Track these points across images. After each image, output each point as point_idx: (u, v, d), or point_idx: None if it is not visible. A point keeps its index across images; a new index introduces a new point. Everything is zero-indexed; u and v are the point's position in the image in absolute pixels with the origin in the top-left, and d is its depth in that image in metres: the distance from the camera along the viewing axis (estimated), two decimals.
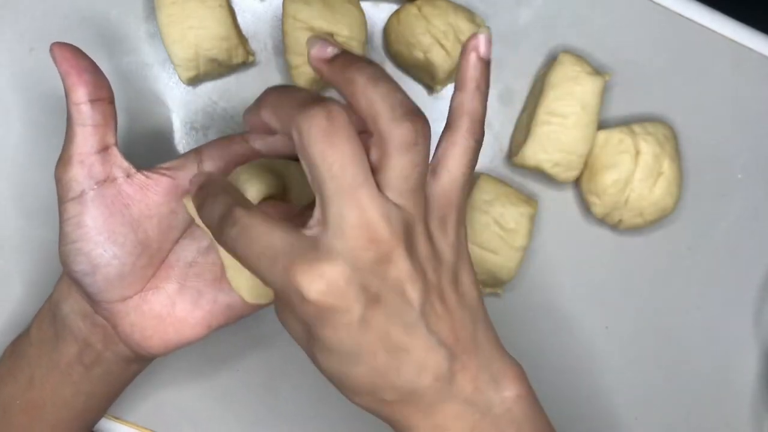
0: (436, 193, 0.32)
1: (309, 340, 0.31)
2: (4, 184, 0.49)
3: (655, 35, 0.52)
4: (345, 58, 0.31)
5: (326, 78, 0.32)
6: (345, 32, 0.46)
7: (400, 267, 0.30)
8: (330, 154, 0.28)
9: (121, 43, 0.49)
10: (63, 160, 0.37)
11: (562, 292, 0.52)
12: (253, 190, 0.36)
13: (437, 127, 0.50)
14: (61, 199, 0.37)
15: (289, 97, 0.31)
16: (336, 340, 0.30)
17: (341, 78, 0.31)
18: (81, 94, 0.36)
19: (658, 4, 0.52)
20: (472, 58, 0.33)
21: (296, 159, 0.33)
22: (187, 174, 0.39)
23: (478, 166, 0.51)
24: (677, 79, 0.52)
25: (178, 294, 0.38)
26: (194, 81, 0.48)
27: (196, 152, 0.40)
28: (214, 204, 0.32)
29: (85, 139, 0.36)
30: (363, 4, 0.49)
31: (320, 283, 0.28)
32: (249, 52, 0.48)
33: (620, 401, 0.52)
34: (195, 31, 0.45)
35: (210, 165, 0.39)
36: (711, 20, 0.52)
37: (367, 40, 0.48)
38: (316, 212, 0.30)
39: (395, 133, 0.29)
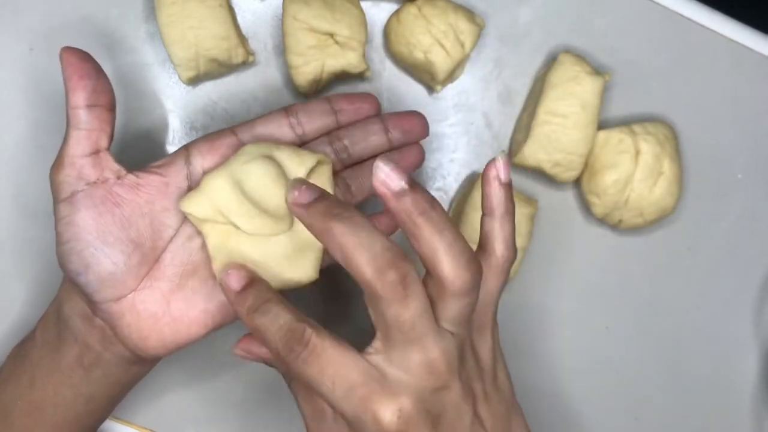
0: (477, 309, 0.36)
1: None
2: (4, 184, 0.49)
3: (655, 35, 0.52)
4: (412, 198, 0.32)
5: (392, 210, 0.33)
6: (345, 32, 0.46)
7: (455, 390, 0.34)
8: (403, 313, 0.32)
9: (121, 43, 0.49)
10: (57, 162, 0.38)
11: (562, 292, 0.52)
12: (303, 169, 0.38)
13: (437, 127, 0.51)
14: (54, 200, 0.38)
15: (366, 243, 0.32)
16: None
17: (407, 219, 0.32)
18: (78, 98, 0.38)
19: (658, 4, 0.52)
20: (495, 186, 0.36)
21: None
22: (177, 171, 0.39)
23: (479, 166, 0.51)
24: (677, 79, 0.52)
25: (172, 293, 0.38)
26: (194, 81, 0.48)
27: (185, 149, 0.40)
28: (277, 316, 0.34)
29: (78, 142, 0.37)
30: (363, 4, 0.49)
31: (395, 413, 0.32)
32: (249, 52, 0.48)
33: (620, 401, 0.52)
34: (195, 31, 0.45)
35: (199, 160, 0.40)
36: (711, 20, 0.52)
37: (367, 40, 0.48)
38: (377, 343, 0.33)
39: (457, 282, 0.32)
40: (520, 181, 0.51)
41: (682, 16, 0.52)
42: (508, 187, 0.36)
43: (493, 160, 0.36)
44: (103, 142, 0.38)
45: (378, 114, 0.43)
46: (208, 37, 0.45)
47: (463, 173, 0.51)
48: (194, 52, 0.45)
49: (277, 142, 0.40)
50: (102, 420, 0.43)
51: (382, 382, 0.33)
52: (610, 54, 0.51)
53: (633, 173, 0.48)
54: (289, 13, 0.46)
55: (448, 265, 0.32)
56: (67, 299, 0.40)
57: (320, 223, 0.32)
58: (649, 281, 0.52)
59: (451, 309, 0.33)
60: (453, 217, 0.50)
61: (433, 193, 0.51)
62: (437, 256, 0.32)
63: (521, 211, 0.47)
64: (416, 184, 0.33)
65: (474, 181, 0.49)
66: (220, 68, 0.47)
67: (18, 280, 0.49)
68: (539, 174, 0.50)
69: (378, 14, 0.50)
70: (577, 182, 0.51)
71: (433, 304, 0.33)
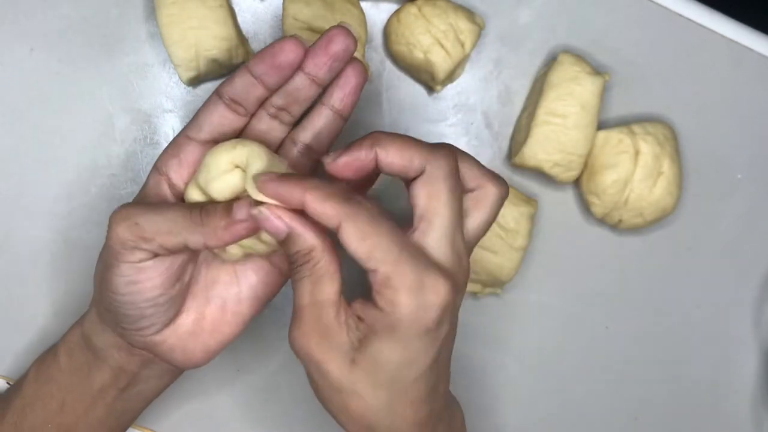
0: None
1: (373, 351, 0.33)
2: (4, 184, 0.49)
3: (655, 35, 0.52)
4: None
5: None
6: None
7: (458, 304, 0.35)
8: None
9: (121, 43, 0.49)
10: (136, 228, 0.35)
11: (562, 292, 0.52)
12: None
13: (436, 127, 0.51)
14: (116, 254, 0.36)
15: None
16: (419, 351, 0.33)
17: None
18: (220, 244, 0.35)
19: (658, 4, 0.51)
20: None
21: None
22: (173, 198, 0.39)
23: None
24: (677, 79, 0.52)
25: (205, 306, 0.39)
26: (194, 81, 0.48)
27: (166, 176, 0.39)
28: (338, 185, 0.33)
29: (171, 246, 0.36)
30: (363, 4, 0.49)
31: (446, 295, 0.33)
32: (249, 52, 0.48)
33: (620, 401, 0.52)
34: (195, 32, 0.45)
35: (179, 179, 0.39)
36: (711, 20, 0.52)
37: (367, 40, 0.48)
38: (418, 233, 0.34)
39: (493, 190, 0.36)
40: (520, 181, 0.51)
41: (682, 16, 0.52)
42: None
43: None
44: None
45: (300, 55, 0.37)
46: (209, 37, 0.45)
47: None
48: (194, 52, 0.45)
49: (229, 136, 0.39)
50: (131, 424, 0.44)
51: (457, 263, 0.34)
52: (610, 54, 0.51)
53: (632, 173, 0.48)
54: (289, 14, 0.46)
55: (486, 174, 0.36)
56: (98, 332, 0.40)
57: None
58: (649, 281, 0.52)
59: (482, 216, 0.36)
60: None
61: None
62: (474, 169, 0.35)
63: (521, 211, 0.47)
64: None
65: None
66: (221, 69, 0.47)
67: (16, 278, 0.49)
68: (539, 174, 0.50)
69: (378, 14, 0.50)
70: (577, 182, 0.51)
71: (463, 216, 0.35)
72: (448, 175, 0.34)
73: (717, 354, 0.53)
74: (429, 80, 0.49)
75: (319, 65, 0.37)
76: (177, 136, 0.39)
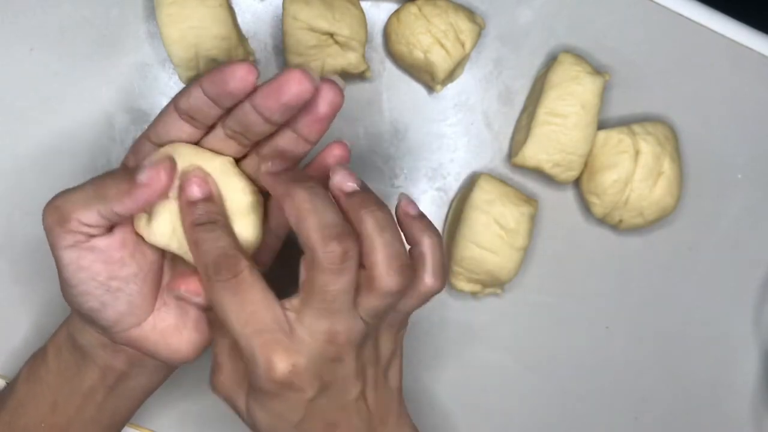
0: (395, 317, 0.38)
1: (252, 403, 0.36)
2: (4, 184, 0.49)
3: (655, 35, 0.52)
4: (361, 197, 0.35)
5: (343, 208, 0.35)
6: (345, 32, 0.46)
7: (349, 366, 0.36)
8: (331, 284, 0.33)
9: (121, 43, 0.49)
10: (59, 212, 0.35)
11: (562, 292, 0.52)
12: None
13: (436, 127, 0.51)
14: (54, 245, 0.36)
15: (320, 211, 0.34)
16: (283, 410, 0.35)
17: (354, 215, 0.35)
18: (130, 209, 0.35)
19: (658, 4, 0.52)
20: (409, 221, 0.37)
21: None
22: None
23: (479, 166, 0.51)
24: (677, 79, 0.52)
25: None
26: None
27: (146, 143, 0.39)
28: (217, 240, 0.35)
29: (95, 220, 0.35)
30: (363, 4, 0.49)
31: (289, 366, 0.34)
32: (249, 52, 0.48)
33: (620, 401, 0.52)
34: (195, 31, 0.45)
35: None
36: (711, 20, 0.52)
37: (367, 40, 0.48)
38: (296, 301, 0.35)
39: (386, 282, 0.34)
40: (520, 181, 0.51)
41: (682, 16, 0.52)
42: (422, 217, 0.37)
43: (398, 203, 0.38)
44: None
45: (250, 84, 0.35)
46: (208, 37, 0.45)
47: (463, 173, 0.51)
48: (194, 52, 0.45)
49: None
50: (126, 422, 0.44)
51: (289, 336, 0.34)
52: (610, 54, 0.51)
53: (633, 173, 0.48)
54: (289, 13, 0.46)
55: (383, 264, 0.34)
56: (81, 331, 0.40)
57: (284, 188, 0.34)
58: (649, 281, 0.52)
59: (372, 302, 0.35)
60: (452, 217, 0.50)
61: (433, 193, 0.51)
62: (374, 254, 0.34)
63: (521, 211, 0.47)
64: (366, 187, 0.36)
65: (474, 180, 0.49)
66: None
67: (11, 278, 0.49)
68: (539, 174, 0.50)
69: (378, 14, 0.50)
70: (577, 182, 0.51)
71: (357, 291, 0.35)
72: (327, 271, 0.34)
73: (717, 354, 0.53)
74: (429, 80, 0.49)
75: (271, 108, 0.35)
76: (139, 137, 0.39)
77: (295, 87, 0.34)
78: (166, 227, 0.37)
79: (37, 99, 0.49)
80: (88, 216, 0.35)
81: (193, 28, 0.45)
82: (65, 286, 0.37)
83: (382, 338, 0.38)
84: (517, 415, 0.52)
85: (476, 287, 0.49)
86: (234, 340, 0.35)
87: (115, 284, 0.36)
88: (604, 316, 0.52)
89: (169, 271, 0.39)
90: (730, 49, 0.52)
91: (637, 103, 0.51)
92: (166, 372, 0.43)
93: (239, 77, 0.34)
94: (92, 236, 0.36)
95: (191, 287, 0.37)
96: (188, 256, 0.37)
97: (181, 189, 0.36)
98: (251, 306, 0.34)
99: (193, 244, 0.35)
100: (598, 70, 0.49)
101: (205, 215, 0.36)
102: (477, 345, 0.51)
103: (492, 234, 0.47)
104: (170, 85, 0.49)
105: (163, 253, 0.39)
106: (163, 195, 0.36)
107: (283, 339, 0.34)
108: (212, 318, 0.38)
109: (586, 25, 0.51)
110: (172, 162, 0.36)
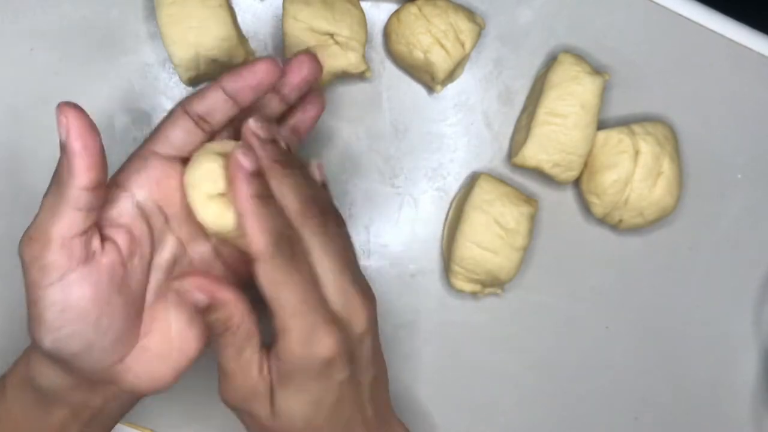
0: None
1: (283, 396, 0.35)
2: (4, 184, 0.49)
3: (655, 35, 0.52)
4: (274, 148, 0.37)
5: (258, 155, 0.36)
6: (345, 32, 0.46)
7: (367, 344, 0.37)
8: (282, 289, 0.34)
9: (121, 43, 0.49)
10: (37, 240, 0.34)
11: (562, 292, 0.52)
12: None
13: (436, 127, 0.51)
14: (35, 284, 0.34)
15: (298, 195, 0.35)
16: (321, 394, 0.35)
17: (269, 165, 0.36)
18: (87, 179, 0.33)
19: (658, 4, 0.52)
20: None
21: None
22: (133, 216, 0.37)
23: (479, 166, 0.51)
24: (677, 79, 0.52)
25: (174, 322, 0.37)
26: (194, 81, 0.48)
27: (124, 189, 0.37)
28: (277, 215, 0.34)
29: (74, 222, 0.33)
30: (363, 4, 0.49)
31: (334, 342, 0.34)
32: (249, 52, 0.48)
33: (620, 401, 0.52)
34: (195, 32, 0.45)
35: (144, 194, 0.37)
36: (711, 20, 0.52)
37: (367, 40, 0.48)
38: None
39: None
40: (520, 181, 0.51)
41: (682, 16, 0.52)
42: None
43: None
44: (96, 215, 0.35)
45: (275, 76, 0.38)
46: (209, 37, 0.45)
47: (463, 173, 0.51)
48: (194, 52, 0.45)
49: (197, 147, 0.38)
50: None
51: (331, 313, 0.35)
52: (610, 54, 0.51)
53: (632, 173, 0.48)
54: (289, 14, 0.46)
55: (294, 200, 0.35)
56: (44, 375, 0.37)
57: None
58: (649, 281, 0.52)
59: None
60: (452, 217, 0.50)
61: (433, 193, 0.51)
62: (288, 194, 0.35)
63: (521, 211, 0.47)
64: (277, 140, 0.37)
65: (474, 180, 0.49)
66: (221, 68, 0.47)
67: (18, 279, 0.49)
68: (539, 174, 0.50)
69: (378, 14, 0.50)
70: (577, 182, 0.51)
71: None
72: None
73: (717, 354, 0.53)
74: (429, 80, 0.49)
75: (290, 87, 0.40)
76: (140, 149, 0.38)
77: (310, 67, 0.40)
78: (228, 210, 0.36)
79: (37, 99, 0.49)
80: (66, 223, 0.33)
81: (193, 28, 0.45)
82: (44, 330, 0.34)
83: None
84: (517, 415, 0.52)
85: (476, 287, 0.49)
86: (280, 320, 0.34)
87: (105, 321, 0.34)
88: (604, 316, 0.52)
89: (154, 292, 0.38)
90: (730, 49, 0.52)
91: (636, 103, 0.51)
92: (140, 397, 0.41)
93: (265, 69, 0.37)
94: (80, 263, 0.34)
95: (200, 283, 0.34)
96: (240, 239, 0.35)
97: (235, 162, 0.34)
98: (304, 284, 0.34)
99: (253, 217, 0.34)
100: (598, 70, 0.49)
101: (266, 188, 0.35)
102: (477, 345, 0.51)
103: (492, 234, 0.47)
104: (170, 85, 0.49)
105: (148, 275, 0.37)
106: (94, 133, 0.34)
107: (329, 316, 0.34)
108: (214, 323, 0.35)
109: (586, 25, 0.51)
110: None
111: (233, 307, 0.34)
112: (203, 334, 0.38)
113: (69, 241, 0.33)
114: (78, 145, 0.33)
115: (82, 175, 0.33)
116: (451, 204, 0.51)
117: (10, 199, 0.49)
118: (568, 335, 0.52)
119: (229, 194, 0.36)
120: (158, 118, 0.49)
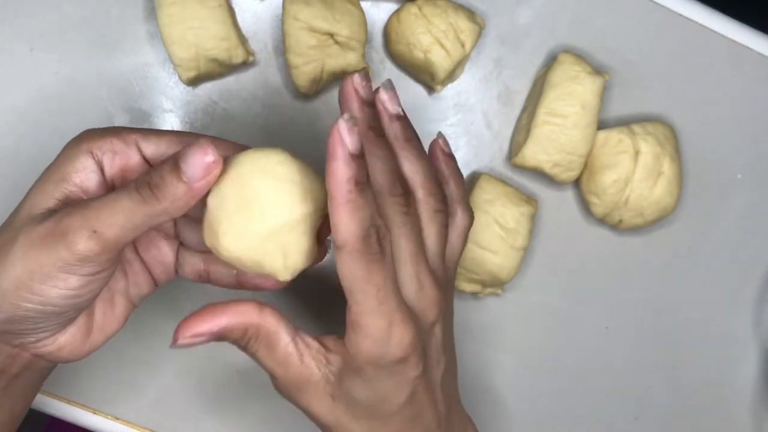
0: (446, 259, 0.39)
1: (352, 382, 0.34)
2: (4, 184, 0.49)
3: (655, 35, 0.52)
4: (403, 125, 0.38)
5: (385, 127, 0.37)
6: (345, 32, 0.46)
7: (437, 334, 0.37)
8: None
9: (121, 43, 0.49)
10: (101, 245, 0.33)
11: (562, 292, 0.52)
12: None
13: (435, 126, 0.51)
14: (68, 270, 0.33)
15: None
16: (390, 390, 0.34)
17: (396, 142, 0.37)
18: (179, 212, 0.33)
19: (658, 4, 0.52)
20: (442, 159, 0.40)
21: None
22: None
23: (479, 166, 0.51)
24: (677, 79, 0.52)
25: (99, 304, 0.38)
26: (194, 81, 0.48)
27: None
28: (368, 205, 0.32)
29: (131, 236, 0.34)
30: (363, 4, 0.49)
31: (410, 339, 0.33)
32: (249, 52, 0.48)
33: (620, 401, 0.52)
34: (195, 31, 0.45)
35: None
36: (711, 20, 0.52)
37: (367, 40, 0.48)
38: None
39: (461, 219, 0.39)
40: (520, 181, 0.51)
41: (682, 16, 0.52)
42: (453, 157, 0.40)
43: (435, 139, 0.40)
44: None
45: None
46: (208, 37, 0.45)
47: (464, 173, 0.51)
48: (194, 52, 0.45)
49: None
50: (24, 412, 0.41)
51: (407, 309, 0.34)
52: (610, 54, 0.51)
53: (632, 173, 0.48)
54: (289, 14, 0.46)
55: (420, 178, 0.36)
56: None
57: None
58: (649, 281, 0.52)
59: (453, 251, 0.38)
60: None
61: None
62: (417, 177, 0.36)
63: (521, 211, 0.47)
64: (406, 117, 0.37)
65: (474, 180, 0.49)
66: (221, 68, 0.47)
67: None
68: (539, 174, 0.50)
69: (378, 14, 0.50)
70: (577, 182, 0.51)
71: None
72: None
73: (717, 354, 0.53)
74: (429, 80, 0.49)
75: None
76: (127, 128, 0.37)
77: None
78: (241, 239, 0.34)
79: (37, 99, 0.49)
80: (133, 236, 0.33)
81: (193, 28, 0.45)
82: (25, 305, 0.33)
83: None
84: (517, 414, 0.52)
85: (476, 287, 0.49)
86: (355, 315, 0.33)
87: (69, 313, 0.35)
88: (604, 316, 0.52)
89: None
90: (730, 49, 0.52)
91: (637, 103, 0.52)
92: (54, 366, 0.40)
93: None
94: (100, 269, 0.34)
95: (195, 331, 0.34)
96: (256, 267, 0.34)
97: (335, 137, 0.31)
98: (386, 283, 0.32)
99: (347, 205, 0.31)
100: (598, 70, 0.49)
101: (364, 172, 0.32)
102: (477, 345, 0.51)
103: (492, 234, 0.47)
104: (170, 85, 0.49)
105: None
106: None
107: (404, 314, 0.33)
108: (235, 344, 0.35)
109: (586, 25, 0.51)
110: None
111: (240, 326, 0.34)
112: (123, 316, 0.38)
113: (116, 248, 0.33)
114: (201, 185, 0.33)
115: (184, 208, 0.33)
116: None
117: (10, 199, 0.49)
118: (568, 335, 0.52)
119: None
120: (158, 118, 0.49)
